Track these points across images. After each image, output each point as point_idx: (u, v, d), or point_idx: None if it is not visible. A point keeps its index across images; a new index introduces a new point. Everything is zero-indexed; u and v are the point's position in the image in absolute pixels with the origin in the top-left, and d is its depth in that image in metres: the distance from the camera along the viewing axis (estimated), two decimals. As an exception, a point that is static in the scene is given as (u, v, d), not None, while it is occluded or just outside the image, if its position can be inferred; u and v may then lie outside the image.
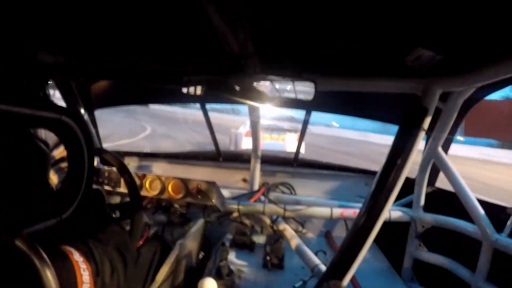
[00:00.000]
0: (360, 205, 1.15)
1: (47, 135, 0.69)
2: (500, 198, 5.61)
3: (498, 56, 0.78)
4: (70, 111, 0.62)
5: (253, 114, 1.71)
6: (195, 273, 1.44)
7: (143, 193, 1.54)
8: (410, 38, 0.80)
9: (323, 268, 1.31)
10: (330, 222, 2.07)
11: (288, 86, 1.01)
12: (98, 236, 0.67)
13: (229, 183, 2.11)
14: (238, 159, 2.15)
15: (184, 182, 1.48)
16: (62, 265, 0.51)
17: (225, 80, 1.03)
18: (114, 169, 1.42)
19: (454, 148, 1.54)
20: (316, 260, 1.39)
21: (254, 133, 1.86)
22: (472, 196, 1.29)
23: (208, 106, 1.99)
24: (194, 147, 8.40)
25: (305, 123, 1.99)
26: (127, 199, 1.09)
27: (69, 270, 0.51)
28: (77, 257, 0.53)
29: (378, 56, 0.96)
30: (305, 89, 1.01)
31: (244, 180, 2.08)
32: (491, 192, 7.24)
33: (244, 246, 1.78)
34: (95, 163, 0.81)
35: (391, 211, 1.59)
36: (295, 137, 7.13)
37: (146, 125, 13.24)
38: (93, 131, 1.94)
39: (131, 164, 2.21)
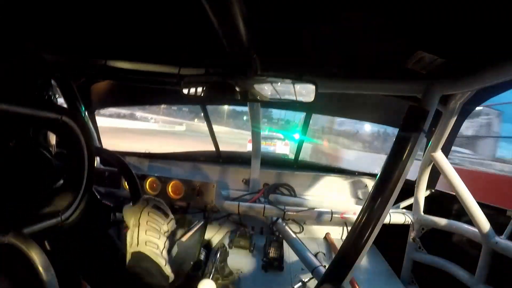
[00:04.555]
0: (360, 207, 1.15)
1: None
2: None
3: (499, 59, 0.78)
4: (70, 111, 0.62)
5: (254, 116, 1.71)
6: (195, 274, 1.44)
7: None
8: (411, 41, 0.80)
9: (322, 269, 1.31)
10: (330, 224, 2.07)
11: (289, 87, 1.01)
12: None
13: (229, 184, 2.11)
14: (238, 160, 2.15)
15: (184, 183, 1.48)
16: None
17: (226, 82, 1.03)
18: (115, 169, 1.42)
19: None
20: (315, 261, 1.39)
21: (255, 135, 1.86)
22: (472, 198, 1.29)
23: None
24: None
25: (305, 124, 1.99)
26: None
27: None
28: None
29: (379, 58, 0.96)
30: (305, 91, 1.01)
31: (244, 181, 2.08)
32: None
33: (244, 247, 1.77)
34: (96, 163, 0.81)
35: (391, 213, 1.59)
36: (283, 143, 10.71)
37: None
38: (94, 131, 1.94)
39: (131, 164, 2.21)
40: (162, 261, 0.73)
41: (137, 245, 0.73)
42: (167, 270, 0.74)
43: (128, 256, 0.73)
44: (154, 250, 0.73)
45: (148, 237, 0.74)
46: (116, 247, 0.95)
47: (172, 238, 0.82)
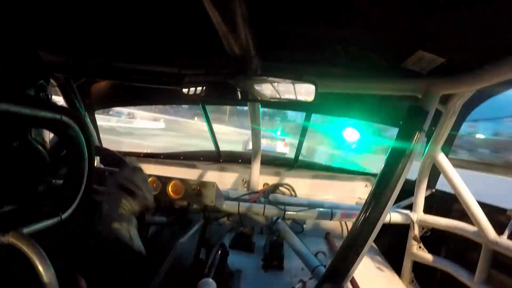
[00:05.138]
0: (360, 206, 1.15)
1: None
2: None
3: (499, 58, 0.78)
4: (70, 111, 0.61)
5: (254, 116, 1.71)
6: (195, 274, 1.44)
7: None
8: (411, 41, 0.80)
9: (322, 269, 1.31)
10: (330, 224, 2.07)
11: (289, 87, 1.01)
12: None
13: (229, 183, 2.11)
14: (238, 160, 2.15)
15: (184, 182, 1.48)
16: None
17: (226, 81, 1.03)
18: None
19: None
20: (316, 261, 1.39)
21: (255, 134, 1.86)
22: (473, 198, 1.29)
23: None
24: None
25: (306, 124, 1.99)
26: None
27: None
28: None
29: (379, 58, 0.96)
30: (305, 91, 1.01)
31: (244, 181, 2.08)
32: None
33: (244, 247, 1.77)
34: (96, 163, 0.81)
35: (391, 213, 1.59)
36: (282, 143, 11.45)
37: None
38: (94, 131, 1.94)
39: None
40: (129, 239, 0.74)
41: (104, 229, 0.74)
42: (137, 246, 0.75)
43: (99, 241, 0.74)
44: (122, 232, 0.74)
45: (112, 220, 0.75)
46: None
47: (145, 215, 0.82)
